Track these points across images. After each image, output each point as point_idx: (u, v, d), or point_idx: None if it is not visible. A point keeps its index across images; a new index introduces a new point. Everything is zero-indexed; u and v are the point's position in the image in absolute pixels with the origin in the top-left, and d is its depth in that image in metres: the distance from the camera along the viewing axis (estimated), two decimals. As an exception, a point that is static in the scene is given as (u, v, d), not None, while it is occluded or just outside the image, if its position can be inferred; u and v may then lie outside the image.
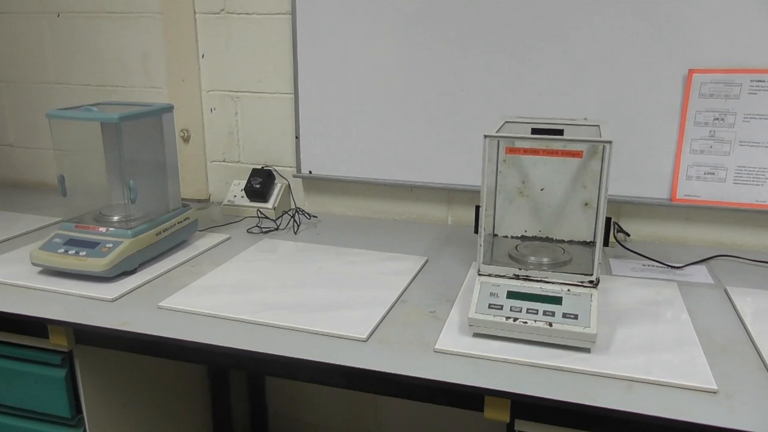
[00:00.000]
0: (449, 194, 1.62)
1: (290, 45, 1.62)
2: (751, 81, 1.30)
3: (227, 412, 1.81)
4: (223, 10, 1.66)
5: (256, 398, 1.89)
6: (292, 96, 1.65)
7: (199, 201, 1.80)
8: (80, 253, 1.21)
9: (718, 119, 1.34)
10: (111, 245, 1.22)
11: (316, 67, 1.59)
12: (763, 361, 0.92)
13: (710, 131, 1.35)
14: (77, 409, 1.21)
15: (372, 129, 1.59)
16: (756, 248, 1.43)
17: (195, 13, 1.68)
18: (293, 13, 1.57)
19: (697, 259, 1.34)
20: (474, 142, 1.52)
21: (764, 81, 1.30)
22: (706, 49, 1.32)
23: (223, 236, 1.47)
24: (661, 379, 0.86)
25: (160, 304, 1.11)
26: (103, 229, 1.26)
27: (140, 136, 1.33)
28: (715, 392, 0.84)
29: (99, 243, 1.23)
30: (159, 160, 1.37)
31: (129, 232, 1.24)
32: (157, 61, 1.75)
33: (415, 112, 1.55)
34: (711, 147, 1.36)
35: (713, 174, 1.37)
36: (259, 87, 1.69)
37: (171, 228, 1.35)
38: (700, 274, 1.27)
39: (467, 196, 1.60)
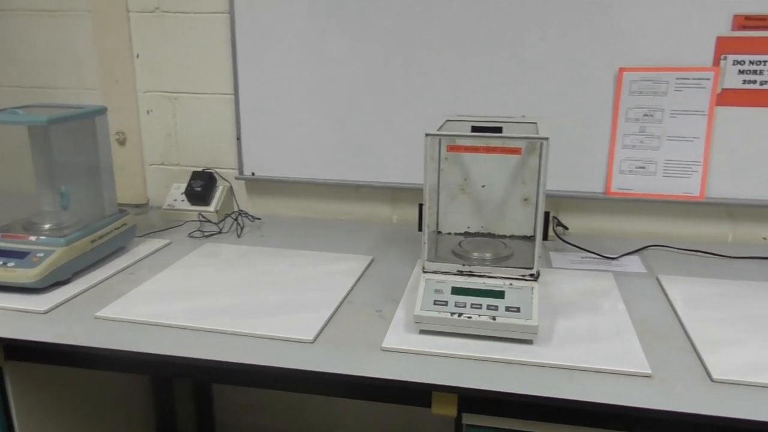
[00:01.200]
0: (394, 193, 1.63)
1: (229, 44, 1.59)
2: (677, 78, 1.36)
3: (172, 422, 1.77)
4: (158, 8, 1.61)
5: (203, 406, 1.85)
6: (233, 96, 1.62)
7: (137, 206, 1.75)
8: (8, 264, 1.15)
9: (647, 115, 1.40)
10: (42, 254, 1.17)
11: (256, 67, 1.57)
12: (693, 345, 0.96)
13: (640, 127, 1.41)
14: (9, 429, 1.15)
15: (315, 129, 1.58)
16: (685, 238, 1.50)
17: (128, 11, 1.63)
18: (231, 12, 1.54)
19: (631, 250, 1.39)
20: (417, 141, 1.54)
21: (689, 78, 1.36)
22: (636, 48, 1.37)
23: (164, 241, 1.44)
24: (600, 367, 0.89)
25: (97, 314, 1.07)
26: (33, 238, 1.21)
27: (71, 139, 1.28)
28: (650, 377, 0.88)
29: (29, 252, 1.17)
30: (92, 165, 1.32)
31: (62, 240, 1.19)
32: (89, 62, 1.69)
33: (360, 111, 1.55)
34: (642, 142, 1.42)
35: (644, 168, 1.43)
36: (198, 87, 1.65)
37: (107, 235, 1.30)
38: (634, 264, 1.32)
39: (411, 194, 1.61)
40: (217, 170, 1.69)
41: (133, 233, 1.40)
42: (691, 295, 1.14)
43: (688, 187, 1.42)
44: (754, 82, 1.34)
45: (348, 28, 1.50)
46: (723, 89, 1.35)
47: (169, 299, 1.12)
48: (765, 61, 1.32)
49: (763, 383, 0.85)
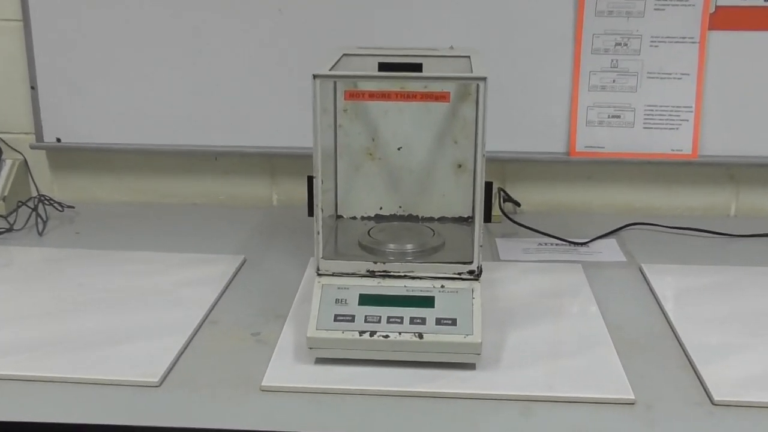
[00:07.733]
0: (272, 162, 1.62)
1: (11, -55, 1.52)
2: (658, -7, 1.43)
3: None
4: None
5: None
6: (21, 23, 1.55)
7: None
8: None
9: (620, 44, 1.46)
10: None
11: (55, -20, 1.51)
12: (686, 354, 1.02)
13: (612, 60, 1.46)
14: None
15: (151, 73, 1.54)
16: (672, 211, 1.58)
17: None
18: None
19: (606, 231, 1.45)
20: (302, 87, 1.52)
21: (673, -7, 1.43)
22: (601, -50, 1.42)
23: None
24: (566, 395, 0.93)
25: None
26: None
27: None
28: (633, 403, 0.92)
29: None
30: None
31: None
32: None
33: (216, 46, 1.52)
34: (614, 81, 1.47)
35: (619, 117, 1.49)
36: (-37, 10, 1.57)
37: None
38: (609, 250, 1.38)
39: (298, 163, 1.60)
40: (2, 136, 1.62)
41: None
42: (683, 289, 1.21)
43: (675, 141, 1.49)
44: (758, -4, 1.42)
45: None
46: (717, 7, 1.43)
47: (-68, 334, 1.07)
48: (770, -31, 1.41)
49: (777, 403, 0.92)
